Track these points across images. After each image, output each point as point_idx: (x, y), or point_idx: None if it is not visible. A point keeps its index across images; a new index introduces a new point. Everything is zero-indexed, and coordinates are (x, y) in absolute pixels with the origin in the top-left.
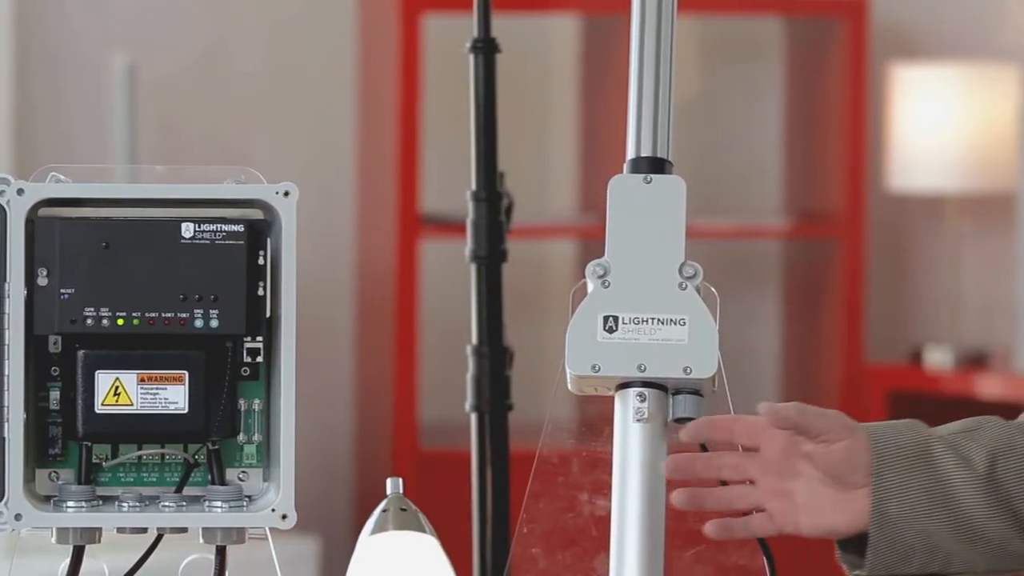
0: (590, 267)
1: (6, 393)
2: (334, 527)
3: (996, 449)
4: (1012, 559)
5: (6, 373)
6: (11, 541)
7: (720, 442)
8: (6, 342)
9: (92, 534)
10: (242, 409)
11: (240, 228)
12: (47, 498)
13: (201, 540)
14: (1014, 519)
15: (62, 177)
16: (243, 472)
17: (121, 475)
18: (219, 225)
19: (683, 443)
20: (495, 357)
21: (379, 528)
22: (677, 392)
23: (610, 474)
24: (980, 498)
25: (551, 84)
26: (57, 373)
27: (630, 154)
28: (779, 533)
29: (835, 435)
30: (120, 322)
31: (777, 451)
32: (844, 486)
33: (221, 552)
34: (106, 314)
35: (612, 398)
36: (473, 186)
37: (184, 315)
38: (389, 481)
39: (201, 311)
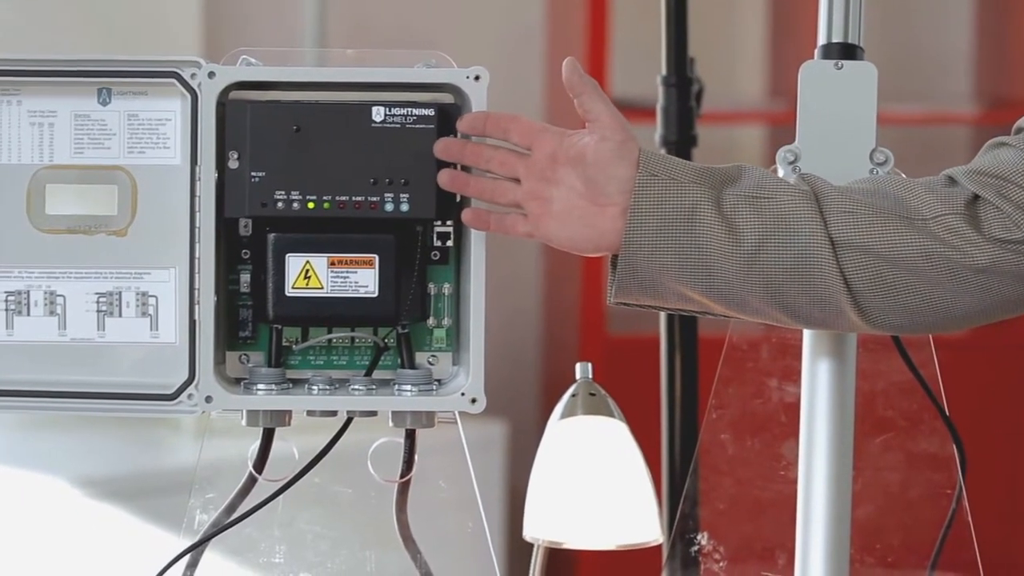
0: (781, 153)
1: (197, 276)
2: (522, 411)
3: (780, 227)
4: (774, 320)
5: (197, 256)
6: (202, 423)
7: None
8: (197, 225)
9: (282, 417)
10: (432, 293)
11: (431, 112)
12: (237, 380)
13: (390, 423)
14: (772, 298)
15: (253, 60)
16: (433, 356)
17: (311, 358)
18: (409, 109)
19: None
20: None
21: (568, 413)
22: None
23: (800, 360)
24: (739, 275)
25: None
26: (248, 256)
27: (821, 40)
28: (530, 236)
29: (610, 130)
30: (311, 205)
31: (545, 155)
32: (597, 198)
33: (410, 435)
34: (296, 197)
35: None
36: (664, 71)
37: (374, 199)
38: (578, 366)
39: (391, 195)
